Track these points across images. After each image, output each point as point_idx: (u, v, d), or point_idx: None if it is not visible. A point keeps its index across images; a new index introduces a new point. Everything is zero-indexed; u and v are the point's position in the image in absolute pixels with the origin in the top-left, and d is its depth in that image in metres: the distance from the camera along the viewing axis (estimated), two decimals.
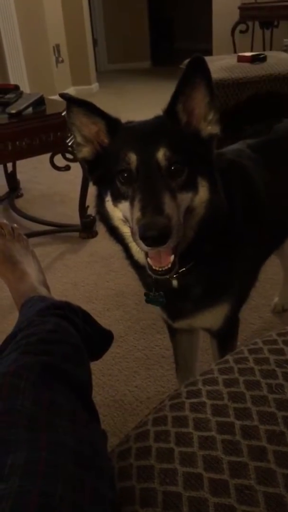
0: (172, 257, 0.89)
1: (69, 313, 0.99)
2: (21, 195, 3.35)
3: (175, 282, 1.06)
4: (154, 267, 0.90)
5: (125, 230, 0.96)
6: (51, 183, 3.51)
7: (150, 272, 0.92)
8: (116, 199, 0.93)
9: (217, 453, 0.58)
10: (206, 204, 0.95)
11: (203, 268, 1.06)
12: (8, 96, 2.49)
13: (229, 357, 0.75)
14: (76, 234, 2.73)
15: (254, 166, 1.20)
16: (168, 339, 1.47)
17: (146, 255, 0.91)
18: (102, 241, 2.64)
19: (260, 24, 5.30)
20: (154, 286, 1.07)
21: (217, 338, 1.27)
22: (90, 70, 6.43)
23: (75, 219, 2.75)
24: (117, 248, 1.17)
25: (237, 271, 1.14)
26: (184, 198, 0.90)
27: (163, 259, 0.89)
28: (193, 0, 8.21)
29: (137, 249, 0.95)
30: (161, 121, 0.97)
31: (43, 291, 1.24)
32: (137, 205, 0.85)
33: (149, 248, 0.85)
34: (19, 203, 3.22)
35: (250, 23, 5.19)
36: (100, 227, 2.84)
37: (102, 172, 0.98)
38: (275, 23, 5.31)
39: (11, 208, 3.11)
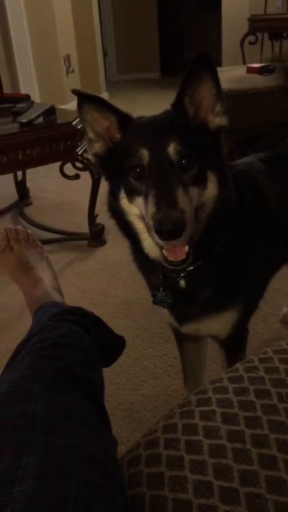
0: (187, 247, 0.90)
1: (82, 318, 0.99)
2: (31, 203, 3.38)
3: (182, 283, 1.06)
4: (169, 258, 0.91)
5: (140, 226, 0.97)
6: (60, 192, 3.54)
7: (165, 264, 0.92)
8: (131, 195, 0.94)
9: (227, 461, 0.58)
10: (215, 199, 0.96)
11: (212, 270, 1.06)
12: (19, 105, 2.53)
13: (239, 365, 0.76)
14: (85, 242, 2.74)
15: (264, 178, 1.21)
16: (176, 348, 1.47)
17: (161, 248, 0.92)
18: (111, 250, 2.65)
19: (269, 36, 5.33)
20: (161, 286, 1.08)
21: (225, 347, 1.27)
22: (100, 80, 6.49)
23: (84, 228, 2.77)
24: (125, 256, 1.17)
25: (246, 278, 1.14)
26: (195, 192, 0.91)
27: (178, 251, 0.90)
28: (203, 11, 8.28)
29: (151, 244, 0.96)
30: (170, 116, 0.98)
31: (56, 297, 1.25)
32: (151, 200, 0.86)
33: (164, 242, 0.86)
34: (29, 211, 3.25)
35: (259, 35, 5.22)
36: (109, 236, 2.85)
37: (114, 167, 0.99)
38: (284, 34, 5.34)
39: (21, 216, 3.13)
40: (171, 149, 0.89)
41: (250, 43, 5.16)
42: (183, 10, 8.71)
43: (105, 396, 1.62)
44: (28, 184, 3.40)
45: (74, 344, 0.86)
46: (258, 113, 2.82)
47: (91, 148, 1.04)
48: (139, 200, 0.92)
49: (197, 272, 1.03)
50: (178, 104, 0.97)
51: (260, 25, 5.09)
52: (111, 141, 1.01)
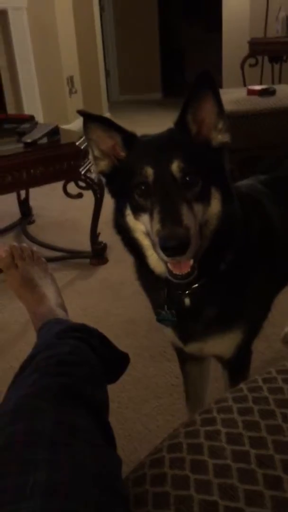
0: (191, 261, 0.92)
1: (86, 336, 1.00)
2: (33, 222, 3.40)
3: (187, 301, 1.07)
4: (174, 272, 0.92)
5: (145, 242, 0.98)
6: (63, 210, 3.57)
7: (170, 277, 0.93)
8: (137, 212, 0.96)
9: (233, 481, 0.59)
10: (218, 216, 0.97)
11: (217, 288, 1.07)
12: (23, 126, 2.57)
13: (243, 386, 0.76)
14: (87, 260, 2.76)
15: (266, 200, 1.23)
16: (178, 367, 1.47)
17: (166, 263, 0.93)
18: (113, 268, 2.66)
19: (269, 59, 5.43)
20: (166, 303, 1.08)
21: (228, 368, 1.27)
22: (102, 101, 6.59)
23: (86, 246, 2.78)
24: (127, 275, 1.18)
25: (250, 298, 1.15)
26: (200, 208, 0.93)
27: (183, 266, 0.91)
28: (204, 33, 8.43)
29: (156, 260, 0.97)
30: (173, 134, 1.00)
31: (61, 314, 1.26)
32: (156, 217, 0.88)
33: (169, 258, 0.87)
34: (31, 229, 3.27)
35: (259, 57, 5.31)
36: (111, 255, 2.86)
37: (120, 185, 1.01)
38: (284, 57, 5.44)
39: (24, 234, 3.16)
40: (175, 166, 0.91)
41: (250, 65, 5.25)
42: (185, 32, 8.87)
43: None
44: (31, 203, 3.43)
45: (79, 361, 0.87)
46: (258, 135, 2.86)
47: (96, 166, 1.06)
48: (145, 217, 0.93)
49: (202, 290, 1.04)
50: (181, 122, 0.99)
51: (260, 48, 5.19)
52: (117, 159, 1.03)
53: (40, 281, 1.35)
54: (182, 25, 8.83)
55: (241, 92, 3.24)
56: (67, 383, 0.76)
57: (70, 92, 5.70)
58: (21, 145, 2.40)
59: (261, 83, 5.11)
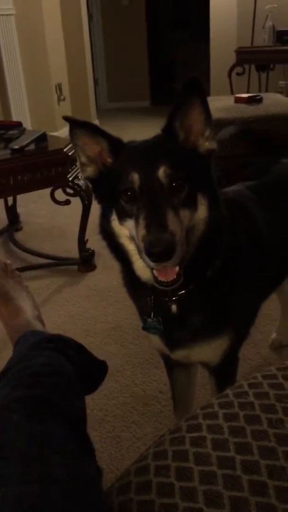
0: (177, 268, 0.91)
1: (61, 346, 0.99)
2: (21, 229, 3.38)
3: (174, 307, 1.06)
4: (160, 279, 0.91)
5: (130, 248, 0.98)
6: (51, 217, 3.55)
7: (155, 284, 0.93)
8: (122, 218, 0.95)
9: (218, 487, 0.58)
10: (205, 221, 0.97)
11: (204, 295, 1.07)
12: (11, 132, 2.56)
13: (229, 391, 0.76)
14: (75, 267, 2.74)
15: (253, 206, 1.23)
16: (166, 375, 1.46)
17: (152, 270, 0.93)
18: (101, 275, 2.65)
19: (256, 67, 5.48)
20: (152, 311, 1.08)
21: (215, 375, 1.26)
22: (91, 108, 6.59)
23: (74, 253, 2.77)
24: (115, 281, 1.18)
25: (237, 304, 1.15)
26: (186, 214, 0.92)
27: (169, 272, 0.91)
28: (192, 42, 8.51)
29: (142, 266, 0.96)
30: (160, 140, 1.00)
31: (38, 326, 1.25)
32: (141, 222, 0.87)
33: (155, 264, 0.87)
34: (19, 236, 3.25)
35: (246, 66, 5.36)
36: (99, 261, 2.85)
37: (106, 190, 1.01)
38: (271, 66, 5.49)
39: (11, 241, 3.14)
40: (161, 172, 0.91)
41: (237, 74, 5.29)
42: (173, 41, 8.95)
43: (94, 423, 1.61)
44: (18, 210, 3.41)
45: (54, 372, 0.86)
46: (245, 141, 2.88)
47: (83, 172, 1.05)
48: (130, 223, 0.93)
49: (189, 297, 1.03)
50: (168, 128, 0.99)
51: (247, 57, 5.24)
52: (103, 165, 1.03)
53: (15, 294, 1.34)
54: (171, 33, 8.91)
55: (228, 100, 3.27)
56: (41, 394, 0.75)
57: (59, 100, 5.70)
58: (8, 151, 2.39)
59: (248, 92, 5.15)
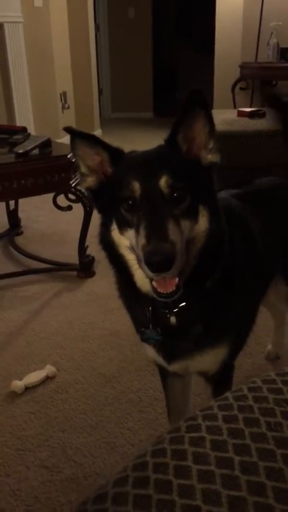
0: (177, 279, 0.91)
1: None
2: (21, 233, 3.40)
3: (173, 319, 1.06)
4: (159, 290, 0.91)
5: (130, 258, 0.97)
6: (52, 223, 3.57)
7: (155, 295, 0.93)
8: (122, 227, 0.95)
9: (216, 486, 0.58)
10: (206, 233, 0.97)
11: (204, 305, 1.06)
12: (16, 136, 2.58)
13: (228, 394, 0.76)
14: (74, 273, 2.75)
15: (245, 212, 1.24)
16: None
17: (151, 280, 0.92)
18: (100, 281, 2.66)
19: (260, 82, 5.54)
20: (151, 322, 1.07)
21: (212, 384, 1.26)
22: (94, 117, 6.65)
23: (74, 259, 2.78)
24: (114, 288, 1.17)
25: (237, 314, 1.15)
26: (187, 225, 0.92)
27: (168, 284, 0.90)
28: (196, 54, 8.59)
29: (142, 276, 0.96)
30: (162, 150, 1.01)
31: None
32: (142, 232, 0.87)
33: (154, 274, 0.86)
34: (19, 240, 3.26)
35: (250, 80, 5.42)
36: (98, 268, 2.85)
37: (106, 201, 1.01)
38: (274, 82, 5.56)
39: (11, 245, 3.15)
40: (163, 182, 0.91)
41: (241, 88, 5.35)
42: (177, 53, 9.04)
43: (89, 429, 1.61)
44: (20, 214, 3.43)
45: None
46: (247, 155, 2.90)
47: (83, 182, 1.06)
48: (130, 232, 0.93)
49: (188, 308, 1.03)
50: (171, 139, 0.99)
51: (251, 72, 5.31)
52: (104, 175, 1.03)
53: None
54: (175, 46, 9.00)
55: (231, 114, 3.31)
56: None
57: (63, 108, 5.75)
58: (12, 155, 2.41)
59: (251, 106, 5.20)
